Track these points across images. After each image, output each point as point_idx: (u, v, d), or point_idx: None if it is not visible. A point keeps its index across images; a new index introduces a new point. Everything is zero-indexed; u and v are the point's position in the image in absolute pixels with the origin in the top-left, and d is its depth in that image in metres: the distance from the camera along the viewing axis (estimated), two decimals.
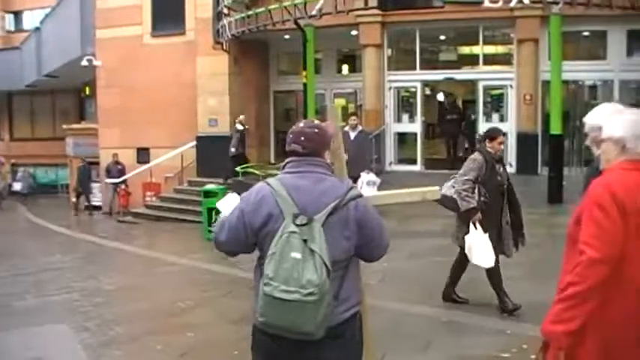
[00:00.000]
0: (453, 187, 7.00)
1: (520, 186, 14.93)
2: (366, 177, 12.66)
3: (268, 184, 3.10)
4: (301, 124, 3.23)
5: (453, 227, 7.28)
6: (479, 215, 6.81)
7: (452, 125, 19.58)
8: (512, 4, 13.80)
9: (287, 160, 3.20)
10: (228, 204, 3.32)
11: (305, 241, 2.87)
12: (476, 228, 6.76)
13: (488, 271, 6.91)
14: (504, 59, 18.97)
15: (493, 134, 7.21)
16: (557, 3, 12.99)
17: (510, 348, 5.62)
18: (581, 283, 2.76)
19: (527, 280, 7.68)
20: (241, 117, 18.53)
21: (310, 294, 2.80)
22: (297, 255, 2.85)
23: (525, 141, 17.37)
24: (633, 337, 2.83)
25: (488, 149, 7.08)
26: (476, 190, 6.89)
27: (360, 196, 3.14)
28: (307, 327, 2.86)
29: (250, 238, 3.11)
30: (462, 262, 7.20)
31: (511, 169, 16.77)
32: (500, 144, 7.19)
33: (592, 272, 2.75)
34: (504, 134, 7.83)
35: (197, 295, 8.80)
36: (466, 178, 6.91)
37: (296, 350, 3.01)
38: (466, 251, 6.88)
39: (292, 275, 2.82)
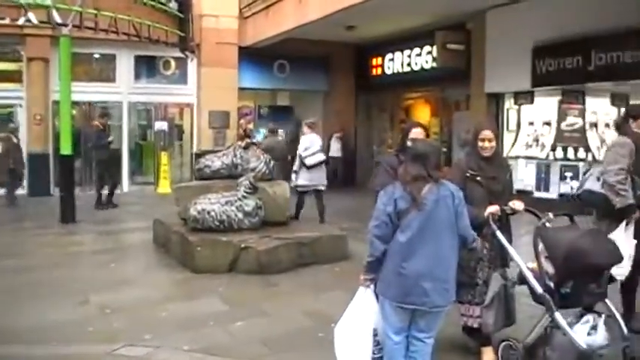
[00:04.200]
0: (599, 179, 5.91)
1: (33, 207, 14.80)
2: None
3: None
4: None
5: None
6: (638, 214, 5.74)
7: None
8: (20, 22, 13.44)
9: None
10: None
11: None
12: (626, 229, 5.69)
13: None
14: (14, 77, 18.30)
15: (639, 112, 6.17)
16: (66, 25, 13.04)
17: None
18: None
19: (37, 300, 7.50)
20: None
21: None
22: None
23: (36, 161, 17.07)
24: None
25: (635, 130, 5.97)
26: (628, 182, 5.74)
27: None
28: None
29: None
30: None
31: (23, 191, 16.34)
32: None
33: None
34: None
35: None
36: (619, 167, 5.72)
37: None
38: None
39: None
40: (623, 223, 5.66)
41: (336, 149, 19.96)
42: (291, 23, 16.30)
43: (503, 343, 5.11)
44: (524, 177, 14.84)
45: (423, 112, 19.57)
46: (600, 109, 14.68)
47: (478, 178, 5.22)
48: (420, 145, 4.61)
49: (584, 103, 14.31)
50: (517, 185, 14.22)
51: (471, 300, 5.27)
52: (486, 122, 6.44)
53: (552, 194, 14.24)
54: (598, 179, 5.91)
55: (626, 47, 12.25)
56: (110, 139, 15.70)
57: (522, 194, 13.47)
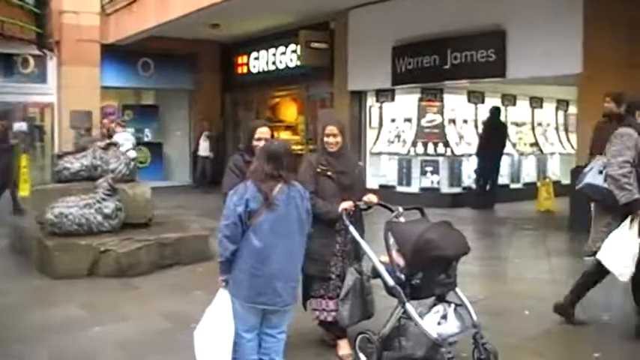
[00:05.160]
0: (601, 171, 5.58)
1: None
2: None
3: None
4: None
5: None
6: None
7: None
8: None
9: None
10: None
11: None
12: (630, 227, 5.37)
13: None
14: None
15: None
16: None
17: None
18: None
19: None
20: None
21: None
22: None
23: None
24: None
25: None
26: (633, 176, 5.37)
27: None
28: None
29: None
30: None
31: None
32: None
33: None
34: None
35: None
36: (623, 159, 5.38)
37: None
38: (601, 253, 5.49)
39: None
40: (627, 220, 5.42)
41: (204, 148, 19.75)
42: (153, 21, 16.05)
43: (360, 336, 5.23)
44: (386, 172, 15.27)
45: (289, 110, 19.76)
46: (458, 106, 15.37)
47: (329, 173, 5.33)
48: (274, 144, 4.64)
49: (442, 101, 14.90)
50: (380, 180, 14.76)
51: (324, 294, 5.36)
52: (331, 118, 6.54)
53: (414, 188, 14.72)
54: (600, 172, 5.63)
55: (479, 47, 12.83)
56: (14, 141, 15.14)
57: (385, 189, 13.90)
